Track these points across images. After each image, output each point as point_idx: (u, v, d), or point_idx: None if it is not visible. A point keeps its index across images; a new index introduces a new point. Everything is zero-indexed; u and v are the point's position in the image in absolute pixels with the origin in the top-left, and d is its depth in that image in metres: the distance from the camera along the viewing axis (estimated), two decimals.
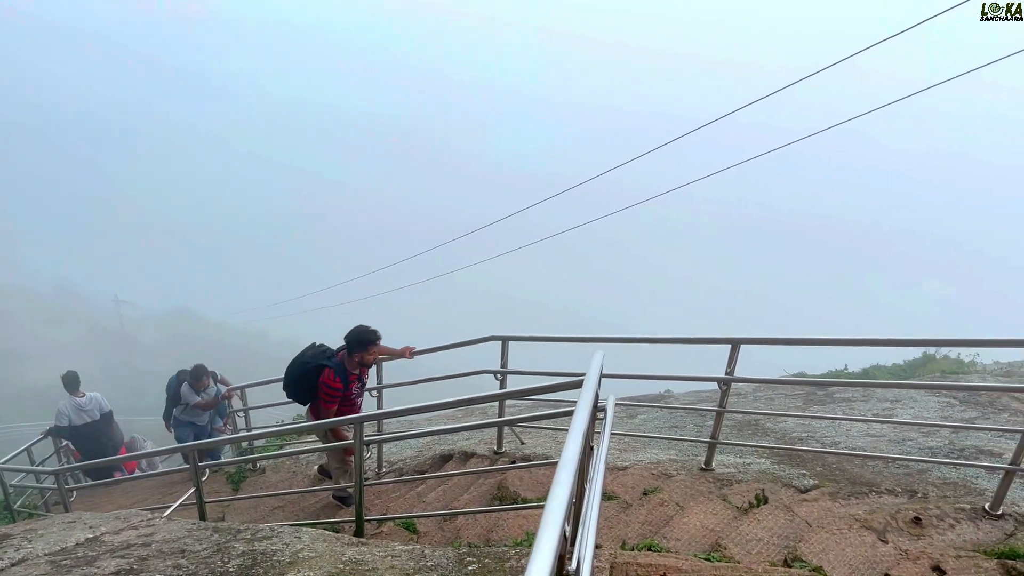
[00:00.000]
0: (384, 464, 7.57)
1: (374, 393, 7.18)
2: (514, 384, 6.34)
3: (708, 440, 5.65)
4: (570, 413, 2.21)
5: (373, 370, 6.64)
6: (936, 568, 3.52)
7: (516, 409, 9.24)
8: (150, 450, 10.36)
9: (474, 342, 6.50)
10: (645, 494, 5.15)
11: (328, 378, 5.60)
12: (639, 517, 4.71)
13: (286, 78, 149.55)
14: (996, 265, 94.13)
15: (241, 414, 9.28)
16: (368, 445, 6.08)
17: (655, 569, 3.18)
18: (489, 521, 5.07)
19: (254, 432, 9.20)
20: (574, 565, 1.80)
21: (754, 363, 5.52)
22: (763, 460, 5.93)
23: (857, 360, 12.64)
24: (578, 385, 2.72)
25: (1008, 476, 4.18)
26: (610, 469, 5.79)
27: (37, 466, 9.19)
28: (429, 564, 3.20)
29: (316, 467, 7.49)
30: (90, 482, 9.62)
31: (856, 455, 5.65)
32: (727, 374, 5.24)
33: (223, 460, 9.25)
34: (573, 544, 2.07)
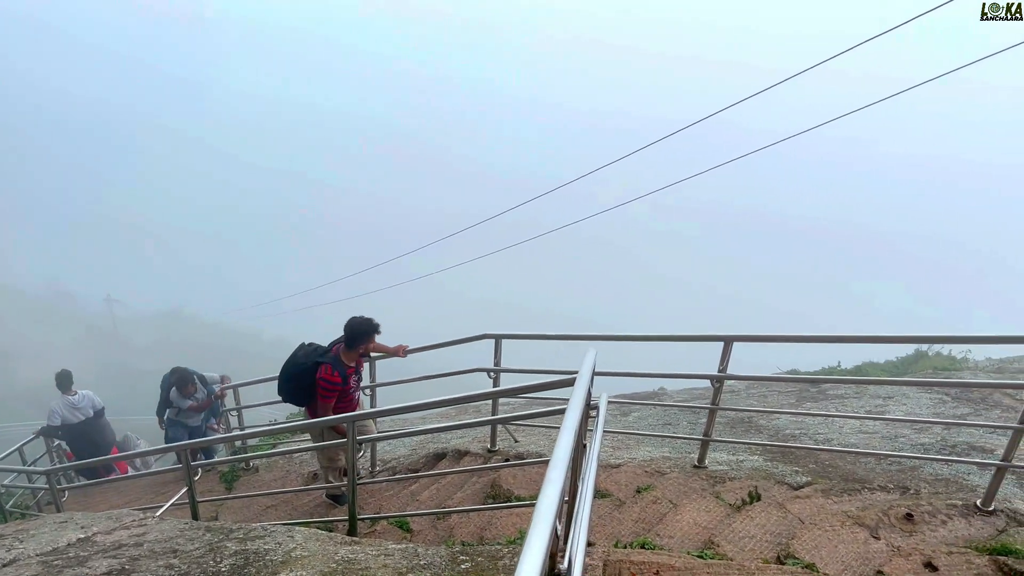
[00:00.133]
0: (377, 463, 7.56)
1: (367, 392, 7.17)
2: (507, 382, 6.34)
3: (701, 438, 5.66)
4: (563, 411, 2.20)
5: (366, 368, 6.63)
6: (928, 564, 3.53)
7: (510, 407, 9.23)
8: (143, 448, 10.35)
9: (468, 340, 6.49)
10: (638, 492, 5.16)
11: (326, 373, 5.56)
12: (632, 515, 4.71)
13: (276, 81, 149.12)
14: (995, 265, 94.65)
15: (234, 413, 9.26)
16: (361, 444, 6.06)
17: (648, 567, 3.18)
18: (482, 519, 5.07)
19: (247, 431, 9.19)
20: (566, 563, 1.80)
21: (747, 361, 5.53)
22: (756, 457, 5.94)
23: (850, 357, 12.69)
24: (571, 383, 2.72)
25: (1000, 472, 4.20)
26: (603, 467, 5.79)
27: (29, 466, 9.16)
28: (422, 563, 3.19)
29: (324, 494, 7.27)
30: (83, 481, 9.59)
31: (849, 452, 5.67)
32: (720, 371, 5.25)
33: (216, 459, 9.23)
34: (566, 542, 2.07)
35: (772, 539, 4.11)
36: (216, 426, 9.58)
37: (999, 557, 3.49)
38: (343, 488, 5.85)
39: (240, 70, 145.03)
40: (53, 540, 3.88)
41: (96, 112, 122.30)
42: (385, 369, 7.39)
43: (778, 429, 6.90)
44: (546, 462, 1.67)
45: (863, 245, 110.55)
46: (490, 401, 6.75)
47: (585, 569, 2.51)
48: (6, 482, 9.08)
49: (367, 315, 5.81)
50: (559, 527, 2.07)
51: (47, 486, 7.17)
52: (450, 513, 5.27)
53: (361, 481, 5.81)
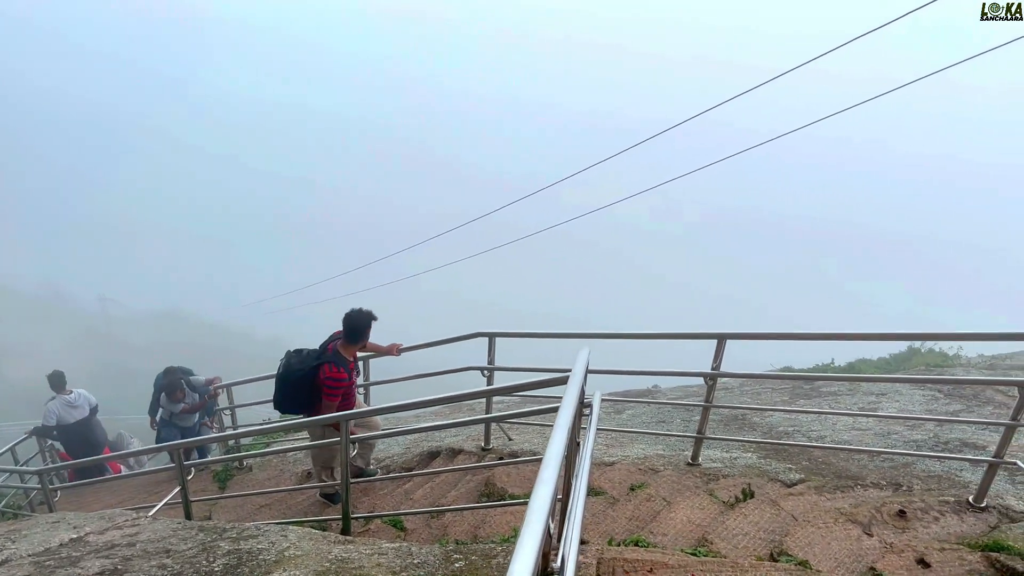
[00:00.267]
0: (371, 461, 7.55)
1: (361, 390, 7.17)
2: (501, 381, 6.33)
3: (695, 435, 5.66)
4: (557, 409, 2.20)
5: (360, 367, 6.62)
6: (921, 561, 3.55)
7: (503, 405, 9.23)
8: (136, 447, 10.32)
9: (461, 339, 6.49)
10: (632, 489, 5.16)
11: (332, 372, 5.49)
12: (626, 512, 4.72)
13: (268, 82, 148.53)
14: (992, 263, 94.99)
15: (227, 412, 9.24)
16: (354, 443, 6.06)
17: (642, 564, 3.18)
18: (476, 518, 5.07)
19: (240, 430, 9.17)
20: (559, 562, 1.80)
21: (741, 359, 5.54)
22: (749, 455, 5.95)
23: (843, 354, 12.73)
24: (565, 381, 2.72)
25: (992, 469, 4.22)
26: (597, 465, 5.79)
27: (21, 466, 9.13)
28: (416, 562, 3.19)
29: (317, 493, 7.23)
30: (76, 481, 9.57)
31: (842, 449, 5.69)
32: (713, 369, 5.25)
33: (209, 459, 9.21)
34: (559, 540, 2.07)
35: (765, 536, 4.12)
36: (210, 424, 9.57)
37: (991, 553, 3.50)
38: (337, 487, 5.83)
39: (232, 71, 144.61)
40: (45, 540, 3.87)
41: (88, 112, 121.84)
42: (377, 368, 7.38)
43: (771, 426, 6.92)
44: (540, 460, 1.67)
45: (858, 245, 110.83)
46: (484, 399, 6.74)
47: (578, 567, 2.51)
48: None
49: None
50: (552, 526, 2.07)
51: (39, 486, 7.14)
52: (444, 512, 5.27)
53: (355, 480, 5.80)
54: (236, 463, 8.53)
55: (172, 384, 8.82)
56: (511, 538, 4.31)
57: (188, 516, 5.27)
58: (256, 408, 9.43)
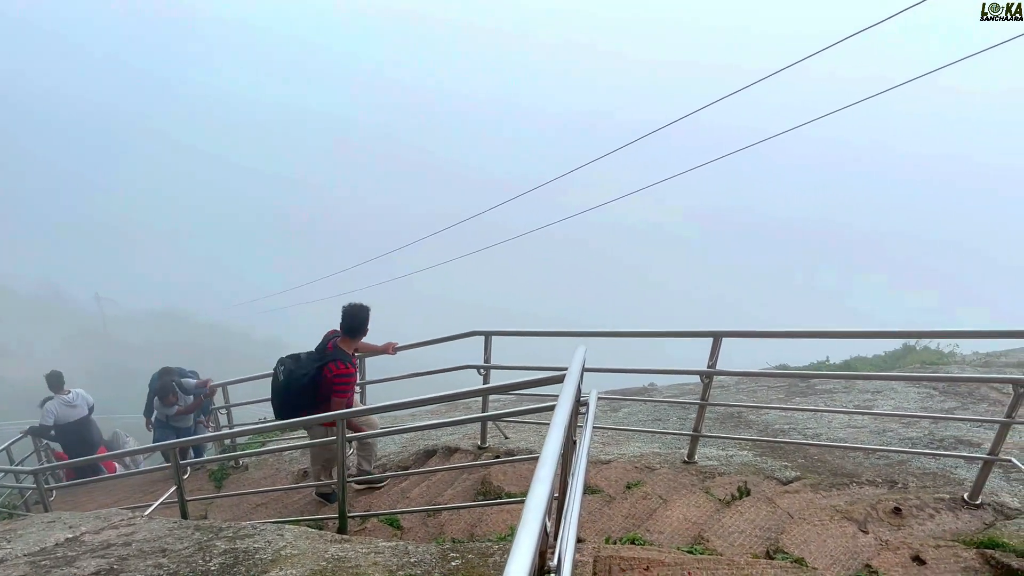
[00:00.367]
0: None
1: (357, 389, 7.16)
2: (497, 379, 6.33)
3: (691, 433, 5.67)
4: (553, 408, 2.20)
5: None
6: (916, 558, 3.56)
7: (500, 404, 9.24)
8: (132, 447, 10.31)
9: (457, 337, 6.49)
10: (628, 487, 5.16)
11: (339, 369, 5.46)
12: (622, 510, 4.72)
13: (263, 83, 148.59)
14: (981, 263, 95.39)
15: (223, 411, 9.22)
16: (351, 442, 6.04)
17: (638, 562, 3.18)
18: (473, 516, 5.07)
19: (236, 429, 9.16)
20: (556, 560, 1.80)
21: (736, 357, 5.55)
22: (745, 452, 5.96)
23: (838, 352, 12.76)
24: (561, 380, 2.72)
25: (987, 466, 4.23)
26: (593, 463, 5.79)
27: (16, 466, 9.11)
28: (412, 560, 3.19)
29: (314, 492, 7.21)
30: (72, 480, 9.55)
31: (837, 447, 5.70)
32: (709, 367, 5.26)
33: (205, 458, 9.20)
34: (556, 539, 2.07)
35: (761, 534, 4.12)
36: (206, 423, 9.55)
37: (987, 550, 3.51)
38: (333, 486, 5.82)
39: (229, 71, 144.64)
40: (41, 540, 3.86)
41: (86, 112, 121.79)
42: (373, 367, 7.37)
43: (767, 424, 6.93)
44: (536, 458, 1.67)
45: (849, 245, 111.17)
46: (480, 398, 6.74)
47: (575, 565, 2.51)
48: None
49: (337, 319, 5.76)
50: (549, 524, 2.07)
51: (35, 486, 7.12)
52: (440, 510, 5.26)
53: (351, 478, 5.79)
54: (232, 462, 8.52)
55: (164, 388, 8.80)
56: (508, 536, 4.31)
57: (184, 515, 5.27)
58: (251, 407, 9.41)
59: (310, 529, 4.00)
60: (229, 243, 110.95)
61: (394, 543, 3.53)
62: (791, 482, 5.03)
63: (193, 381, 9.29)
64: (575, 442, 2.82)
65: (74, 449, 9.48)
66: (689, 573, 3.12)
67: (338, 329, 5.77)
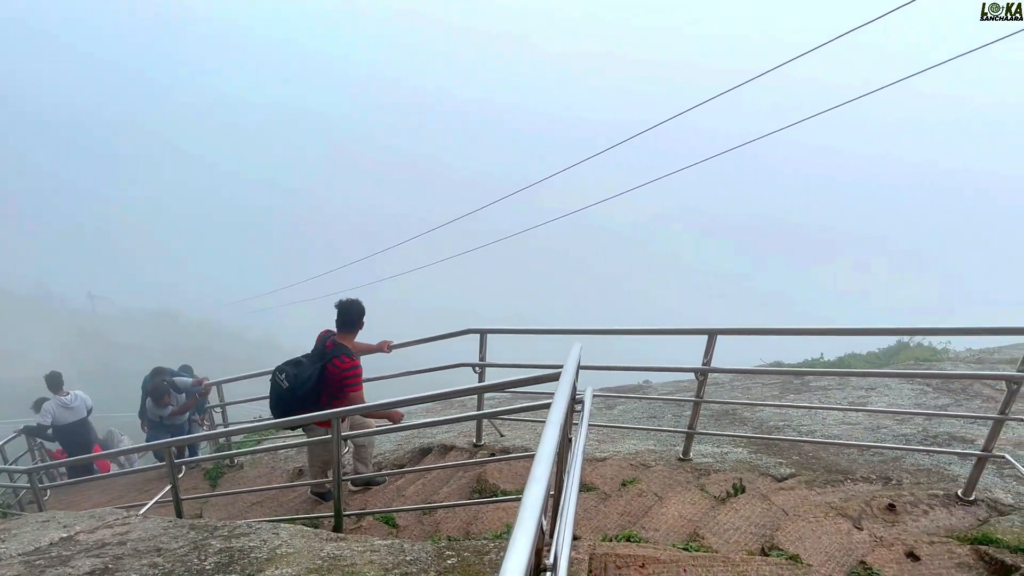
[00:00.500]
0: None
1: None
2: (492, 377, 6.33)
3: (686, 430, 5.67)
4: (549, 405, 2.20)
5: None
6: (910, 554, 3.57)
7: (495, 401, 9.25)
8: (127, 445, 10.28)
9: (452, 335, 6.49)
10: (624, 485, 5.17)
11: (346, 363, 5.46)
12: (618, 508, 4.73)
13: (256, 85, 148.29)
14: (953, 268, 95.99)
15: (218, 410, 9.21)
16: (346, 440, 6.03)
17: (634, 560, 3.19)
18: (468, 514, 5.08)
19: (232, 428, 9.14)
20: (552, 558, 1.80)
21: (731, 354, 5.55)
22: (740, 449, 5.97)
23: (832, 349, 12.80)
24: (556, 378, 2.72)
25: (980, 462, 4.25)
26: (588, 460, 5.80)
27: (10, 465, 9.08)
28: (408, 559, 3.19)
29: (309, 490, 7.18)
30: (68, 480, 9.54)
31: (832, 443, 5.71)
32: (704, 364, 5.27)
33: (200, 457, 9.19)
34: (552, 537, 2.07)
35: (756, 531, 4.13)
36: (201, 422, 9.54)
37: (980, 547, 3.53)
38: (328, 484, 5.81)
39: (220, 73, 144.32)
40: (35, 540, 3.85)
41: (76, 113, 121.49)
42: (368, 366, 7.35)
43: (762, 421, 6.94)
44: (532, 456, 1.67)
45: (828, 246, 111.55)
46: (475, 396, 6.74)
47: (571, 563, 2.51)
48: None
49: (326, 319, 5.75)
50: (545, 522, 2.07)
51: (29, 485, 7.10)
52: (436, 508, 5.26)
53: (347, 477, 5.78)
54: (227, 461, 8.50)
55: (157, 389, 8.78)
56: (503, 534, 4.31)
57: (179, 514, 5.25)
58: (246, 405, 9.40)
59: (305, 528, 3.99)
60: (225, 244, 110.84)
61: (390, 541, 3.52)
62: (786, 479, 5.04)
63: (188, 379, 9.27)
64: (571, 440, 2.82)
65: (71, 450, 9.49)
66: (684, 570, 3.13)
67: (332, 329, 5.76)
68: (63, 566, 3.37)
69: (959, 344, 11.22)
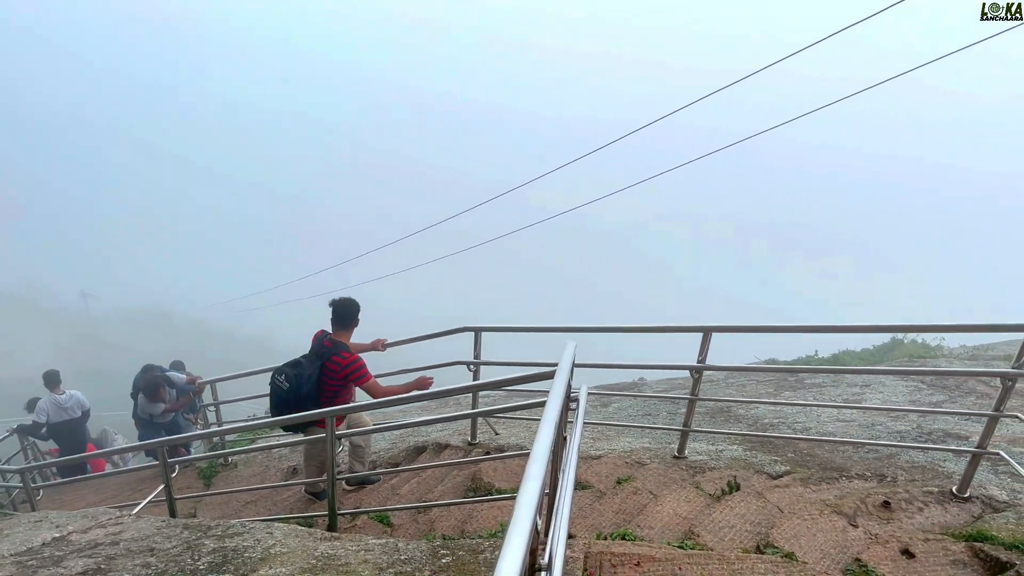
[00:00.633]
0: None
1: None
2: (487, 375, 6.32)
3: (681, 428, 5.68)
4: (544, 403, 2.19)
5: None
6: (905, 551, 3.57)
7: (490, 400, 9.25)
8: (121, 444, 10.25)
9: (446, 333, 6.48)
10: (619, 483, 5.17)
11: (345, 360, 5.45)
12: (613, 506, 4.72)
13: (249, 88, 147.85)
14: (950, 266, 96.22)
15: (212, 408, 9.17)
16: (340, 439, 6.01)
17: (629, 558, 3.18)
18: (463, 513, 5.06)
19: (225, 427, 9.11)
20: (547, 558, 1.79)
21: (726, 352, 5.56)
22: (735, 447, 5.97)
23: (827, 346, 12.83)
24: (551, 376, 2.71)
25: (975, 459, 4.25)
26: (583, 458, 5.79)
27: (3, 464, 9.05)
28: (403, 558, 3.18)
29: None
30: (60, 479, 9.52)
31: (827, 441, 5.72)
32: (699, 362, 5.26)
33: (193, 456, 9.15)
34: (546, 535, 2.05)
35: (752, 528, 4.13)
36: (194, 421, 9.51)
37: (975, 543, 3.53)
38: (322, 483, 5.79)
39: (215, 75, 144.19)
40: (28, 540, 3.82)
41: (71, 116, 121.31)
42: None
43: (757, 418, 6.95)
44: (526, 454, 1.66)
45: (819, 245, 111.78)
46: (470, 394, 6.73)
47: (566, 562, 2.50)
48: None
49: (318, 319, 5.73)
50: (540, 521, 2.06)
51: (21, 485, 7.07)
52: (431, 507, 5.25)
53: (341, 476, 5.76)
54: (221, 460, 8.47)
55: (152, 383, 8.73)
56: (498, 533, 4.31)
57: (173, 514, 5.23)
58: (241, 404, 9.38)
59: (299, 527, 3.98)
60: (219, 245, 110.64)
61: (384, 540, 3.51)
62: (781, 476, 5.04)
63: (182, 376, 9.24)
64: (566, 438, 2.81)
65: (64, 449, 9.48)
66: (680, 568, 3.12)
67: (327, 329, 5.74)
68: (56, 566, 3.34)
69: (953, 341, 11.26)
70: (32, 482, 7.13)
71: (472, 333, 6.32)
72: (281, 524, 3.98)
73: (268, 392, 5.73)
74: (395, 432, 8.05)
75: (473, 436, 6.90)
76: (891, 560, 3.53)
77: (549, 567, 1.73)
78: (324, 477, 4.91)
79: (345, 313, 5.65)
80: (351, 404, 5.52)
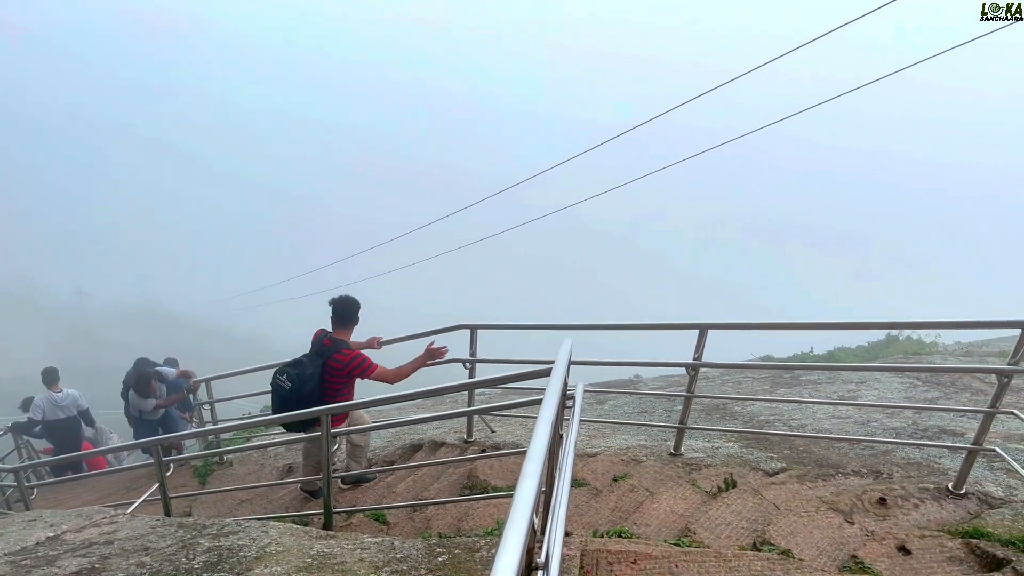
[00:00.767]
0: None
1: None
2: (483, 373, 6.31)
3: (677, 425, 5.67)
4: (540, 401, 2.18)
5: None
6: (901, 548, 3.57)
7: (486, 397, 9.24)
8: (116, 443, 10.22)
9: (442, 331, 6.46)
10: (615, 480, 5.16)
11: (347, 356, 5.43)
12: (609, 504, 4.72)
13: (248, 88, 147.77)
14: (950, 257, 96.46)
15: (207, 407, 9.14)
16: (336, 437, 5.99)
17: (626, 556, 3.17)
18: (459, 511, 5.05)
19: (220, 425, 9.08)
20: (544, 556, 1.78)
21: (722, 349, 5.56)
22: (731, 444, 5.97)
23: (822, 343, 12.84)
24: (547, 373, 2.70)
25: (971, 456, 4.25)
26: (580, 456, 5.79)
27: None
28: (399, 556, 3.17)
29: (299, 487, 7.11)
30: (54, 478, 9.49)
31: (822, 438, 5.72)
32: (695, 359, 5.26)
33: (188, 454, 9.13)
34: (543, 534, 2.05)
35: (748, 526, 4.13)
36: (189, 419, 9.48)
37: (971, 540, 3.53)
38: (318, 482, 5.78)
39: (214, 76, 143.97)
40: (21, 539, 3.81)
41: (72, 117, 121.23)
42: None
43: (753, 415, 6.95)
44: (523, 452, 1.65)
45: (820, 244, 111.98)
46: (466, 392, 6.71)
47: (563, 560, 2.50)
48: None
49: (317, 318, 5.71)
50: (536, 519, 2.05)
51: (15, 483, 7.04)
52: (427, 505, 5.24)
53: (336, 474, 5.74)
54: (216, 458, 8.45)
55: (143, 377, 8.70)
56: (494, 531, 4.30)
57: (167, 513, 5.21)
58: (236, 402, 9.35)
59: (295, 525, 3.96)
60: (218, 244, 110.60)
61: (380, 539, 3.50)
62: (777, 473, 5.04)
63: (173, 371, 9.21)
64: (562, 436, 2.80)
65: (59, 447, 9.45)
66: (676, 566, 3.11)
67: (327, 328, 5.72)
68: (49, 566, 3.33)
69: (948, 338, 11.28)
70: (26, 481, 7.09)
71: (468, 331, 6.31)
72: (276, 523, 3.97)
73: (262, 390, 5.73)
74: (391, 430, 8.04)
75: (469, 434, 6.89)
76: (887, 557, 3.53)
77: (546, 565, 1.72)
78: (320, 475, 4.90)
79: (345, 311, 5.63)
80: (347, 402, 5.50)
